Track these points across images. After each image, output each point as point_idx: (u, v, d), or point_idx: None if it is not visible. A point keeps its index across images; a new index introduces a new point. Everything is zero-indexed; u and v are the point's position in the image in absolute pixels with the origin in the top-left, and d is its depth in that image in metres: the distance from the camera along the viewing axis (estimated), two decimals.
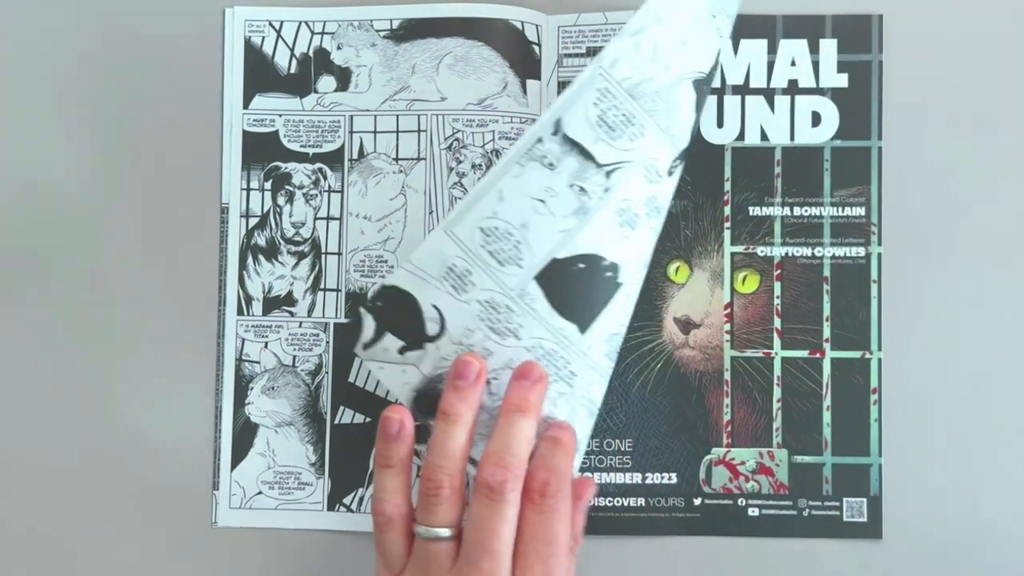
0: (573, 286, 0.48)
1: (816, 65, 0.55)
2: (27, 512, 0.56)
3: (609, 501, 0.54)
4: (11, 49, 0.57)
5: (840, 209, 0.55)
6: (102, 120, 0.57)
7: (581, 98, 0.47)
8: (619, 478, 0.54)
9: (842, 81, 0.55)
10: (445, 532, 0.45)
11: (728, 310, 0.55)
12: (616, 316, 0.49)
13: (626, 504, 0.54)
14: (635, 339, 0.55)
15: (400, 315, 0.49)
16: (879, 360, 0.55)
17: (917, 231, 0.55)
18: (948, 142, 0.55)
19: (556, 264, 0.48)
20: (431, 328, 0.49)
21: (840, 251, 0.55)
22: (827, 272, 0.55)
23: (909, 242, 0.55)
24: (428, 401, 0.49)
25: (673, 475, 0.55)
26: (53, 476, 0.56)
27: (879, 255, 0.55)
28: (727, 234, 0.55)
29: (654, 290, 0.55)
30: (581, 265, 0.48)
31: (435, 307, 0.48)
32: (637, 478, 0.54)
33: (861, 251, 0.55)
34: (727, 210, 0.55)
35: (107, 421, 0.56)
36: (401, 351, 0.49)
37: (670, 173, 0.49)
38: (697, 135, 0.53)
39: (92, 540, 0.56)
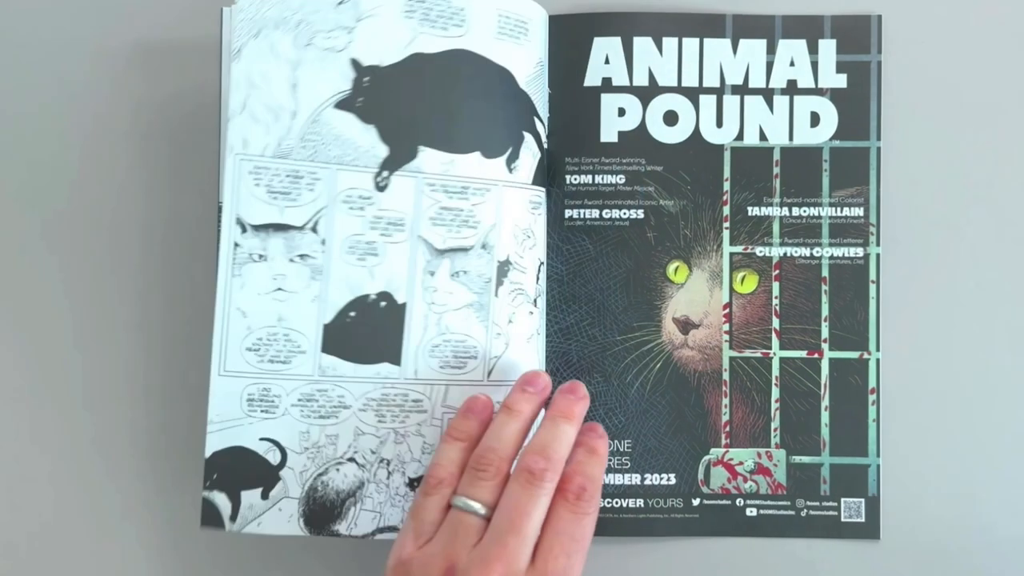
0: (358, 335, 0.50)
1: (815, 65, 0.55)
2: (23, 512, 0.56)
3: (608, 502, 0.54)
4: (9, 50, 0.57)
5: (839, 209, 0.55)
6: (99, 119, 0.56)
7: (241, 191, 0.49)
8: (618, 479, 0.54)
9: (841, 81, 0.55)
10: (481, 508, 0.45)
11: (727, 310, 0.55)
12: (426, 328, 0.51)
13: (625, 505, 0.54)
14: (634, 339, 0.55)
15: (240, 468, 0.50)
16: (877, 360, 0.55)
17: (916, 232, 0.55)
18: (947, 142, 0.55)
19: (330, 328, 0.50)
20: (273, 458, 0.50)
21: (839, 251, 0.55)
22: (825, 272, 0.55)
23: (908, 243, 0.55)
24: (320, 517, 0.51)
25: (672, 476, 0.55)
26: (49, 476, 0.56)
27: (877, 255, 0.55)
28: (726, 234, 0.55)
29: (653, 290, 0.55)
30: (352, 314, 0.50)
31: (263, 439, 0.50)
32: (636, 479, 0.54)
33: (860, 251, 0.55)
34: (726, 210, 0.55)
35: (102, 419, 0.56)
36: (264, 496, 0.50)
37: (382, 188, 0.50)
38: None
39: (87, 540, 0.56)
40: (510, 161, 0.51)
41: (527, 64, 0.53)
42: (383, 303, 0.50)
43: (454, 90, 0.51)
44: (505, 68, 0.52)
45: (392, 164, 0.50)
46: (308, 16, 0.49)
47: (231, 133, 0.49)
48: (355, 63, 0.50)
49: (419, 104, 0.50)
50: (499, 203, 0.51)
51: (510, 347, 0.52)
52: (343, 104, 0.49)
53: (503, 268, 0.51)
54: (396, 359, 0.50)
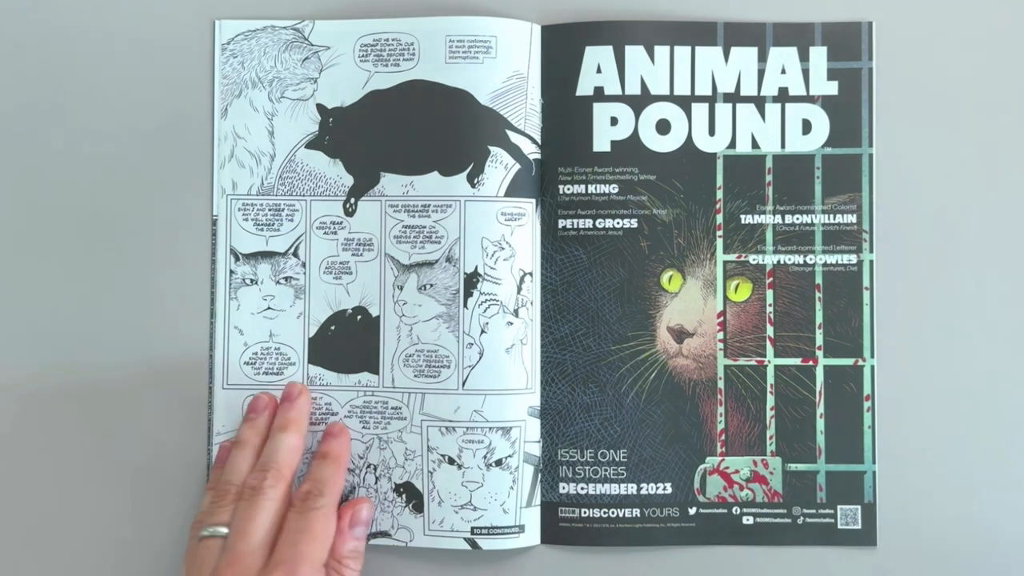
0: (339, 347, 0.55)
1: (806, 73, 0.55)
2: (24, 515, 0.55)
3: (604, 512, 0.54)
4: (8, 57, 0.57)
5: (831, 216, 0.55)
6: (95, 129, 0.56)
7: (233, 225, 0.55)
8: (614, 489, 0.54)
9: (832, 88, 0.55)
10: (224, 529, 0.49)
11: (721, 318, 0.55)
12: (399, 339, 0.54)
13: (621, 515, 0.54)
14: (629, 349, 0.55)
15: None
16: (872, 367, 0.55)
17: (909, 238, 0.55)
18: (939, 148, 0.55)
19: (314, 341, 0.55)
20: None
21: (832, 259, 0.55)
22: (819, 280, 0.55)
23: (901, 249, 0.55)
24: None
25: (668, 485, 0.54)
26: (50, 478, 0.55)
27: (871, 262, 0.55)
28: (719, 242, 0.55)
29: (647, 299, 0.55)
30: (332, 328, 0.55)
31: None
32: (632, 488, 0.54)
33: (853, 258, 0.55)
34: (719, 218, 0.55)
35: (103, 423, 0.55)
36: None
37: (351, 213, 0.55)
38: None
39: (87, 542, 0.55)
40: (472, 176, 0.54)
41: (492, 80, 0.54)
42: (359, 316, 0.55)
43: (408, 117, 0.55)
44: (461, 89, 0.54)
45: (357, 191, 0.55)
46: (280, 74, 0.55)
47: (221, 178, 0.55)
48: (320, 107, 0.55)
49: (378, 135, 0.55)
50: (462, 217, 0.54)
51: (485, 357, 0.53)
52: (312, 144, 0.55)
53: (471, 280, 0.53)
54: (375, 368, 0.54)
